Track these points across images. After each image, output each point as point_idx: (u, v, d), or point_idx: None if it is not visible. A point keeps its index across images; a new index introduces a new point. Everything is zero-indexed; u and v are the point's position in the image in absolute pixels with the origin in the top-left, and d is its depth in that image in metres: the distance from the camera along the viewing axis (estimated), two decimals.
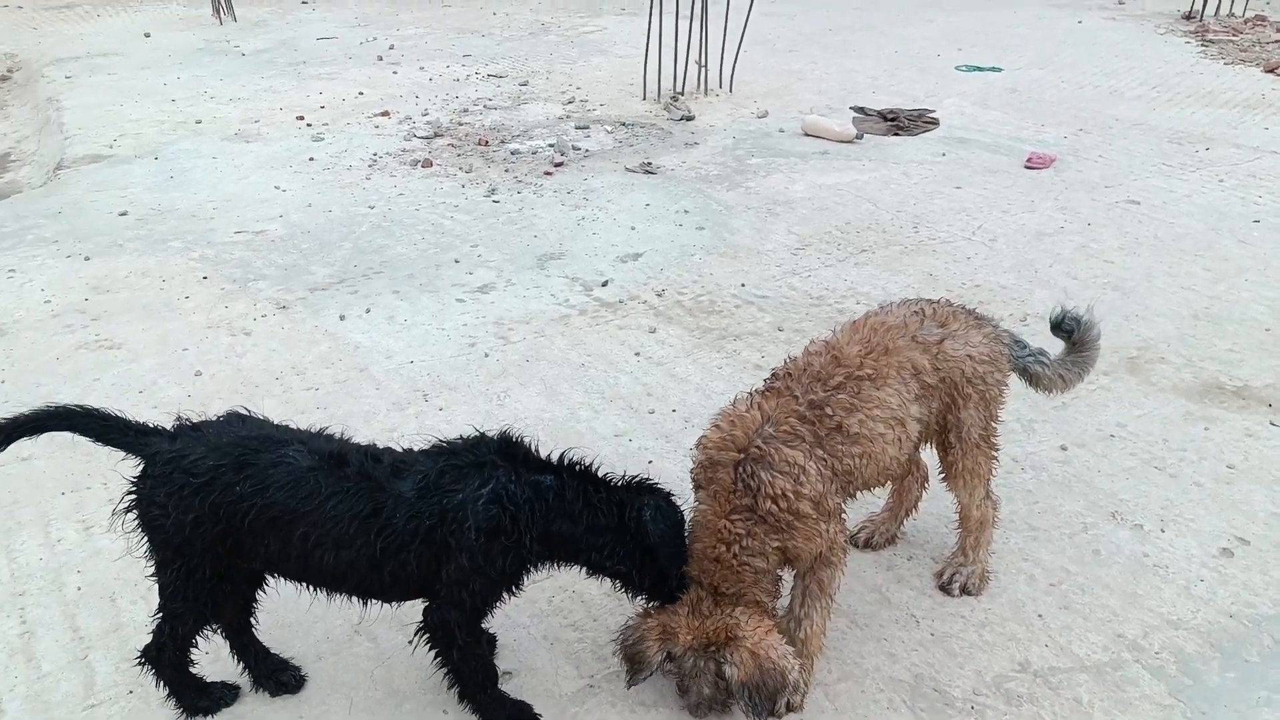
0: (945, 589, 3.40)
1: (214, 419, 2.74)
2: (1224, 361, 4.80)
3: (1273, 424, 4.30)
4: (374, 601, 2.81)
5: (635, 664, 2.78)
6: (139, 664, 2.84)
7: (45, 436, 4.31)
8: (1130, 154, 7.75)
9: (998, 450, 3.28)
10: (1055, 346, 3.43)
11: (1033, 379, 3.37)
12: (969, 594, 3.38)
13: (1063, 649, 3.17)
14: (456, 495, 2.59)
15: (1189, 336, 5.05)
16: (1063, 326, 3.38)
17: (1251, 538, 3.62)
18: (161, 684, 2.87)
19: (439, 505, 2.58)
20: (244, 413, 2.79)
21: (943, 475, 3.29)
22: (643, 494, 2.78)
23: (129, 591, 3.41)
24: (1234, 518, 3.73)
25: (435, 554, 2.61)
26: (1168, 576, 3.46)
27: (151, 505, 2.60)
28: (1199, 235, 6.24)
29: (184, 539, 2.59)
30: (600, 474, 2.78)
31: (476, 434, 2.77)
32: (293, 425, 2.81)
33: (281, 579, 2.82)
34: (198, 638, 2.83)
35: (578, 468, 2.76)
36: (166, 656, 2.81)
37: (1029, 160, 7.61)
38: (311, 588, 2.76)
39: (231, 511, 2.56)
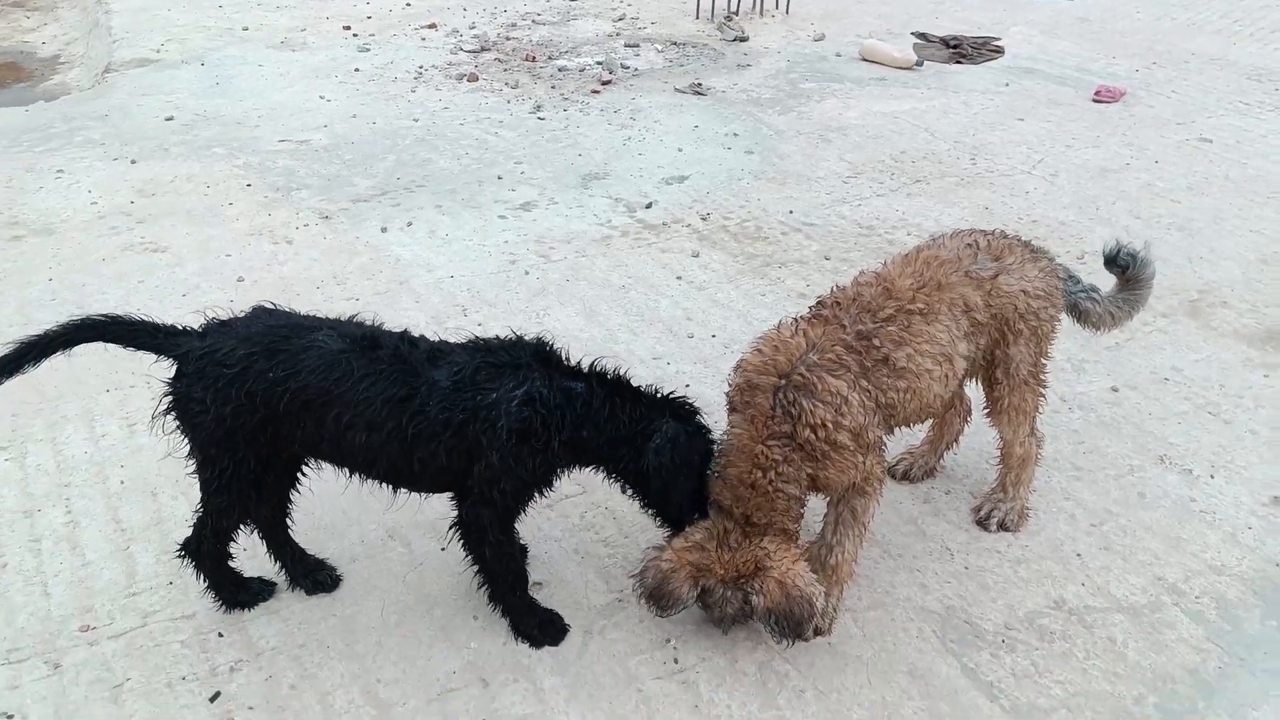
0: (983, 524, 3.34)
1: (240, 314, 2.75)
2: None
3: None
4: (405, 491, 2.84)
5: (666, 601, 2.73)
6: (179, 556, 2.90)
7: None
8: (1205, 90, 7.39)
9: (1045, 387, 3.19)
10: (1106, 284, 3.30)
11: (1082, 315, 3.27)
12: (1006, 530, 3.32)
13: (1100, 589, 3.12)
14: (491, 394, 2.59)
15: (1255, 281, 4.85)
16: (1117, 261, 3.25)
17: None
18: (201, 576, 2.92)
19: (473, 401, 2.59)
20: (270, 306, 2.79)
21: (987, 410, 3.21)
22: (666, 416, 2.73)
23: (170, 488, 3.47)
24: None
25: (466, 449, 2.62)
26: (1214, 522, 3.37)
27: (189, 402, 2.62)
28: (1273, 177, 5.96)
29: (224, 432, 2.61)
30: (633, 385, 2.77)
31: (513, 336, 2.76)
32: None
33: (321, 470, 2.87)
34: (236, 534, 2.88)
35: (609, 376, 2.74)
36: (206, 549, 2.86)
37: (1097, 93, 7.28)
38: (348, 472, 2.80)
39: (267, 398, 2.58)
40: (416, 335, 2.79)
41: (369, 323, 2.79)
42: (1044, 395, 3.20)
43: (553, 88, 7.56)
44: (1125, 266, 3.24)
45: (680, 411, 2.78)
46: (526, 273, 5.00)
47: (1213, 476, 3.58)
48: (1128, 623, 3.00)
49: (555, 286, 4.88)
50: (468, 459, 2.63)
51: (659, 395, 2.79)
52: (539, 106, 7.16)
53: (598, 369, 2.75)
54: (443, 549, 3.16)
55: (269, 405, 2.58)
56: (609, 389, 2.72)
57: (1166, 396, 4.02)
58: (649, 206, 5.69)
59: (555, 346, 2.76)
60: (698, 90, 7.48)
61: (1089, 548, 3.28)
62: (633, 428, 2.70)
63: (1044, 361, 3.14)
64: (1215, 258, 5.08)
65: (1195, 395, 4.03)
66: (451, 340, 2.85)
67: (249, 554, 3.10)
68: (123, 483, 3.53)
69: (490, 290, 4.84)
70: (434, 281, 4.91)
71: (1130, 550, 3.26)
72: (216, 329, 2.68)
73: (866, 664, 2.87)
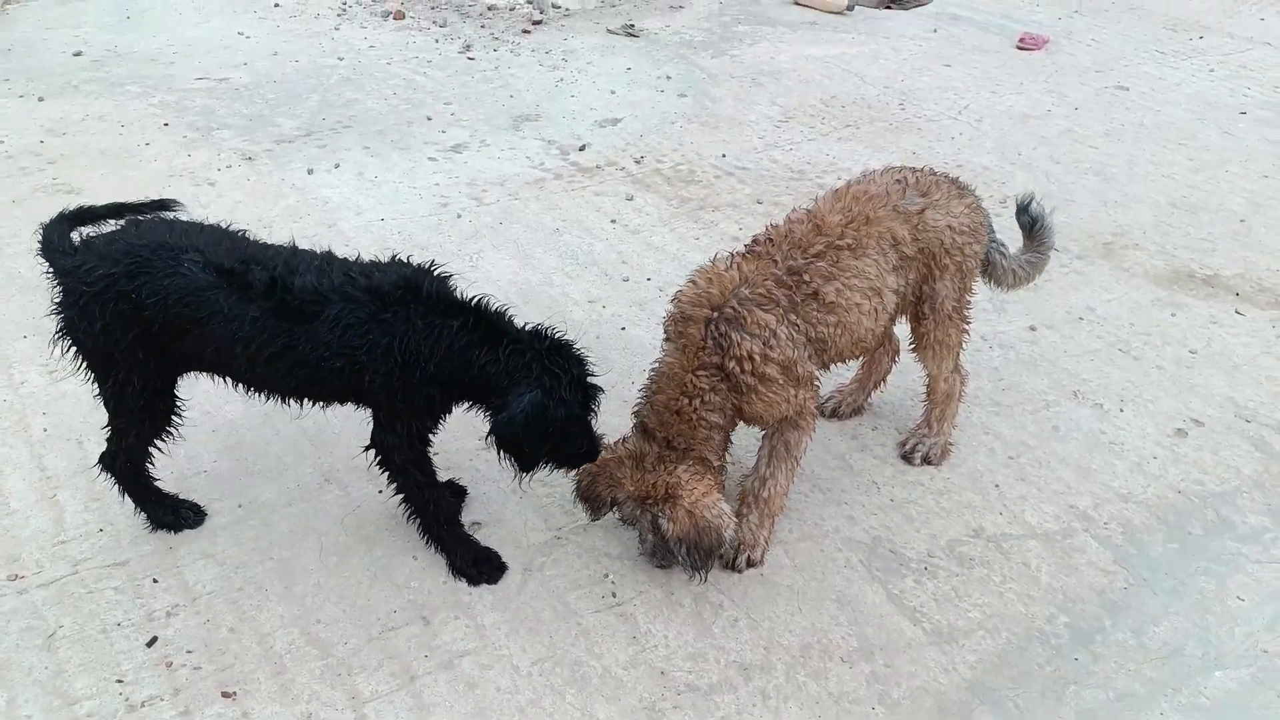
0: (907, 458, 3.48)
1: (117, 228, 2.72)
2: (1197, 250, 4.83)
3: (1238, 312, 4.36)
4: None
5: (592, 503, 2.90)
6: (98, 467, 2.93)
7: (4, 278, 4.23)
8: (1124, 38, 7.58)
9: (969, 323, 3.31)
10: (1014, 243, 3.42)
11: (990, 267, 3.35)
12: (929, 464, 3.46)
13: (1016, 517, 3.28)
14: (367, 339, 2.56)
15: (1165, 224, 5.06)
16: (1029, 211, 3.35)
17: (1206, 420, 3.72)
18: (122, 492, 2.96)
19: (350, 347, 2.57)
20: (142, 219, 2.76)
21: (913, 345, 3.32)
22: (535, 373, 2.59)
23: (96, 435, 3.36)
24: (1191, 400, 3.82)
25: (350, 384, 2.66)
26: (1122, 453, 3.56)
27: (68, 321, 2.64)
28: (1184, 124, 6.18)
29: (100, 350, 2.63)
30: (510, 327, 2.67)
31: (399, 267, 2.69)
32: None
33: (252, 410, 2.93)
34: (148, 450, 2.90)
35: (486, 317, 2.66)
36: (120, 465, 2.90)
37: (1021, 40, 7.42)
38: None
39: (135, 318, 2.57)
40: (293, 258, 2.66)
41: (244, 238, 2.73)
42: (968, 331, 3.32)
43: (482, 27, 7.40)
44: (1034, 220, 3.34)
45: (550, 367, 2.60)
46: (459, 216, 4.95)
47: (1121, 410, 3.77)
48: (1041, 548, 3.17)
49: (488, 230, 4.84)
50: (355, 388, 2.68)
51: (536, 345, 2.63)
52: (468, 46, 7.01)
53: (478, 305, 2.66)
54: (380, 491, 3.16)
55: (138, 324, 2.58)
56: (484, 331, 2.62)
57: (1081, 335, 4.20)
58: (582, 149, 5.65)
59: (439, 275, 2.69)
60: (630, 32, 7.40)
61: (1006, 479, 3.44)
62: (500, 380, 2.61)
63: (968, 298, 3.25)
64: (1129, 201, 5.27)
65: (1107, 334, 4.21)
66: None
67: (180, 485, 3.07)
68: (45, 430, 3.44)
69: (422, 233, 4.77)
70: (363, 224, 4.82)
71: (1045, 481, 3.43)
72: (84, 247, 2.65)
73: (797, 593, 2.98)
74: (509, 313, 2.72)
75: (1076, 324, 4.27)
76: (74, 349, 2.68)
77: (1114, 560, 3.13)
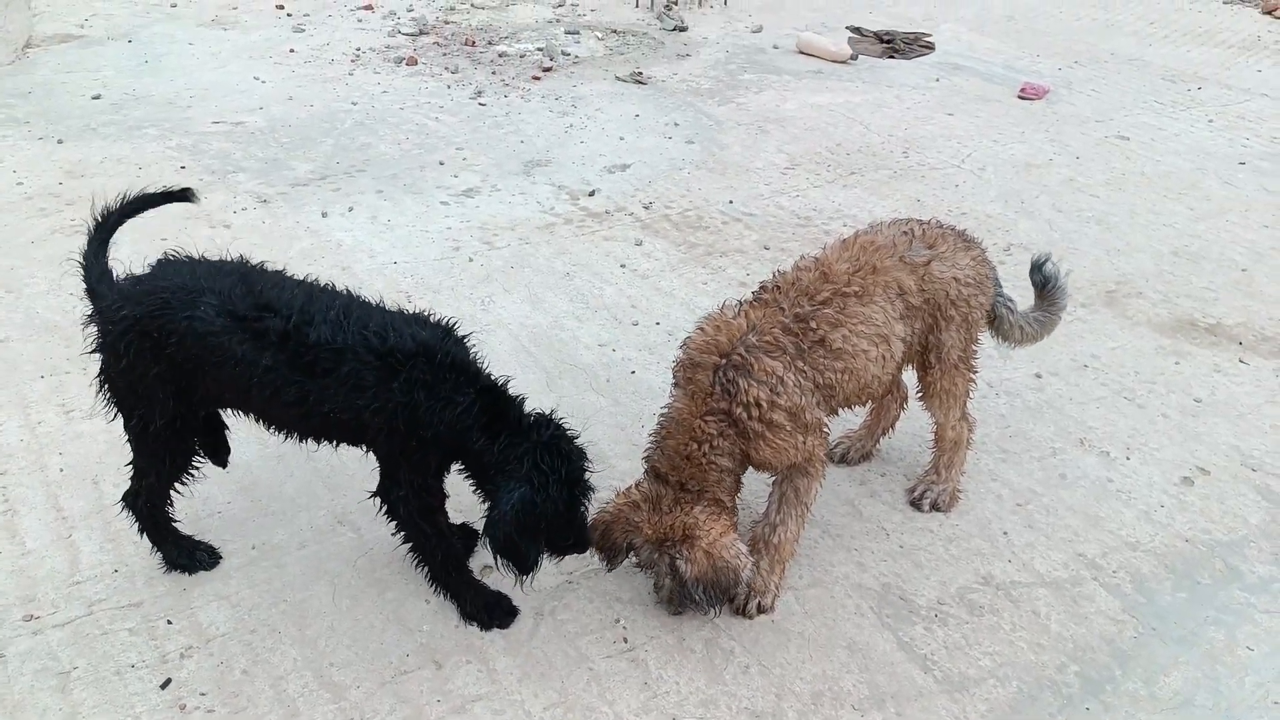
0: (916, 504, 3.50)
1: (149, 267, 2.79)
2: (1199, 299, 4.88)
3: (1241, 361, 4.40)
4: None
5: (609, 552, 2.93)
6: (120, 505, 2.98)
7: (21, 319, 4.29)
8: (1123, 89, 7.72)
9: (975, 373, 3.35)
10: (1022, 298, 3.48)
11: (996, 321, 3.39)
12: (938, 510, 3.48)
13: (1025, 565, 3.30)
14: (372, 402, 2.60)
15: (1167, 273, 5.12)
16: (1042, 270, 3.40)
17: (1212, 468, 3.75)
18: (140, 531, 3.00)
19: (356, 406, 2.61)
20: (173, 256, 2.83)
21: (920, 394, 3.35)
22: (526, 466, 2.60)
23: (112, 475, 3.42)
24: (1196, 449, 3.84)
25: (359, 435, 2.75)
26: (1129, 501, 3.58)
27: (100, 354, 2.74)
28: (1184, 174, 6.27)
29: (125, 387, 2.72)
30: (514, 415, 2.68)
31: (420, 326, 2.70)
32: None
33: (266, 452, 2.97)
34: (168, 493, 2.95)
35: (493, 400, 2.67)
36: (141, 504, 2.94)
37: (1022, 90, 7.55)
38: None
39: (157, 358, 2.63)
40: (310, 304, 2.66)
41: (272, 277, 2.77)
42: (974, 380, 3.36)
43: (493, 73, 7.54)
44: (1048, 279, 3.39)
45: (540, 463, 2.60)
46: (470, 259, 5.02)
47: (1128, 458, 3.79)
48: (1051, 596, 3.18)
49: (500, 273, 4.90)
50: (362, 439, 2.77)
51: (533, 437, 2.64)
52: (480, 92, 7.14)
53: (488, 386, 2.68)
54: (392, 534, 3.18)
55: (159, 364, 2.64)
56: (488, 416, 2.64)
57: (1086, 382, 4.24)
58: (592, 194, 5.74)
59: (458, 338, 2.73)
60: (638, 79, 7.53)
61: (1015, 526, 3.46)
62: (491, 466, 2.65)
63: (974, 347, 3.29)
64: (1131, 250, 5.34)
65: (1112, 381, 4.25)
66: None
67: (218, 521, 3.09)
68: (62, 470, 3.47)
69: (434, 277, 4.84)
70: (377, 267, 4.89)
71: (1053, 528, 3.45)
72: (115, 286, 2.74)
73: (808, 639, 2.99)
74: (519, 397, 2.72)
75: (1081, 371, 4.31)
76: (106, 386, 2.76)
77: (1123, 609, 3.14)
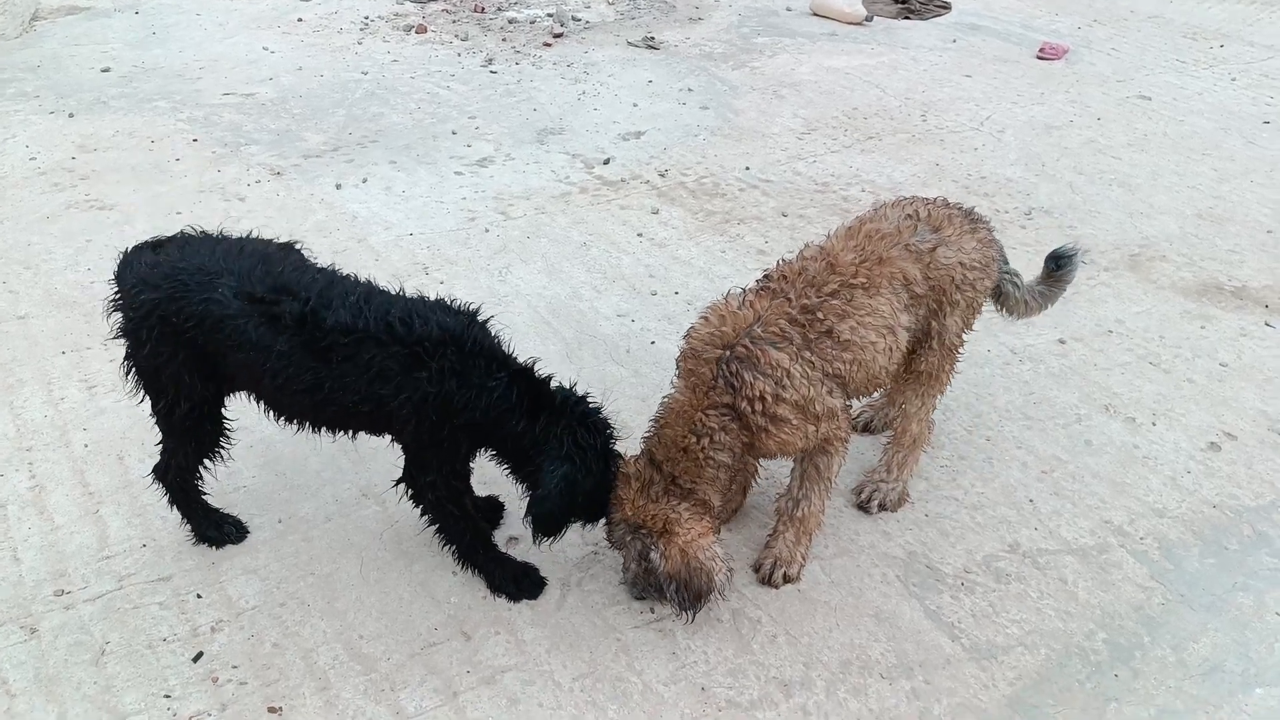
0: (863, 507, 3.36)
1: (167, 242, 2.77)
2: (1224, 261, 4.82)
3: (1268, 324, 4.35)
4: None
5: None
6: (150, 476, 2.99)
7: (40, 295, 4.29)
8: (1144, 48, 7.58)
9: (960, 359, 3.24)
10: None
11: (1001, 297, 3.33)
12: (886, 510, 3.36)
13: (1051, 532, 3.28)
14: (399, 391, 2.56)
15: (1191, 236, 5.05)
16: (1058, 260, 3.33)
17: (1239, 433, 3.72)
18: (170, 503, 3.02)
19: (379, 395, 2.57)
20: (191, 233, 2.80)
21: (900, 377, 3.20)
22: (566, 446, 2.62)
23: (136, 450, 3.43)
24: (1223, 414, 3.81)
25: (380, 425, 2.73)
26: (1156, 467, 3.56)
27: (123, 335, 2.72)
28: (1208, 134, 6.17)
29: (150, 370, 2.70)
30: (549, 396, 2.68)
31: (444, 313, 2.66)
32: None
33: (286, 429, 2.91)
34: (197, 468, 2.96)
35: (529, 384, 2.67)
36: (171, 478, 2.95)
37: (1041, 50, 7.42)
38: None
39: (178, 341, 2.61)
40: (329, 288, 2.62)
41: (292, 258, 2.74)
42: (958, 363, 3.26)
43: (504, 40, 7.45)
44: (1063, 266, 3.32)
45: (579, 440, 2.64)
46: (486, 230, 4.98)
47: (1154, 424, 3.77)
48: (1078, 564, 3.17)
49: (516, 244, 4.87)
50: (384, 429, 2.74)
51: (566, 414, 2.66)
52: (490, 60, 7.06)
53: (522, 371, 2.67)
54: (419, 518, 3.19)
55: (181, 348, 2.63)
56: (527, 399, 2.64)
57: (1110, 348, 4.20)
58: (607, 163, 5.69)
59: (483, 324, 2.70)
60: (650, 44, 7.44)
61: (1040, 493, 3.44)
62: (531, 446, 2.65)
63: (966, 332, 3.19)
64: (1154, 213, 5.27)
65: (1137, 346, 4.21)
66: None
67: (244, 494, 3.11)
68: (86, 446, 3.48)
69: (450, 248, 4.81)
70: (393, 239, 4.87)
71: (1079, 495, 3.43)
72: (131, 271, 2.69)
73: (835, 609, 2.99)
74: (549, 377, 2.73)
75: (1106, 337, 4.27)
76: (133, 369, 2.75)
77: (1151, 576, 3.13)
